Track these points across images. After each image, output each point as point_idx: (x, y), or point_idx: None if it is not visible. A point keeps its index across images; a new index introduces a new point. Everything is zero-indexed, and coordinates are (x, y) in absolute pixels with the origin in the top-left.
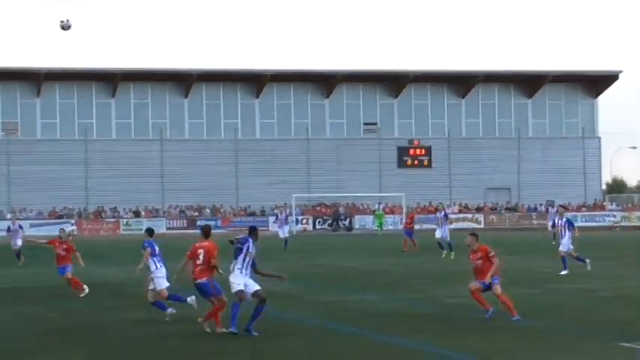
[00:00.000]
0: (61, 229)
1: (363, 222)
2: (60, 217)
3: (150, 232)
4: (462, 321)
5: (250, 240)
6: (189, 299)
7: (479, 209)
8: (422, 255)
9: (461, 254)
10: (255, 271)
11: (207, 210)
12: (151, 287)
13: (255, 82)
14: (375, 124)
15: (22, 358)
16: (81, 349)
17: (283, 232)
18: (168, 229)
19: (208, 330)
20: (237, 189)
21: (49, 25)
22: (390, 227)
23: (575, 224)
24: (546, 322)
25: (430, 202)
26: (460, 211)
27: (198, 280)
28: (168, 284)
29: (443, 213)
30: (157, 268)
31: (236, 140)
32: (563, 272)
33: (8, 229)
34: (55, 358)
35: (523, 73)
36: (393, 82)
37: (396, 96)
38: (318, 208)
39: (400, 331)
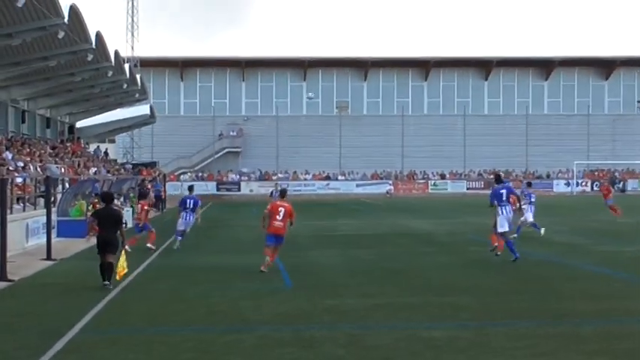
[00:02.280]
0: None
1: (635, 185)
2: (380, 178)
3: (190, 188)
4: None
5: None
6: (177, 245)
7: None
8: None
9: None
10: None
11: (501, 173)
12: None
13: (545, 66)
14: None
15: (337, 290)
16: (393, 285)
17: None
18: (468, 189)
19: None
20: (527, 156)
21: (375, 16)
22: None
23: None
24: None
25: None
26: None
27: (279, 233)
28: (183, 228)
29: None
30: (180, 219)
31: (527, 116)
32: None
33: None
34: (364, 291)
35: None
36: None
37: None
38: (595, 172)
39: None
